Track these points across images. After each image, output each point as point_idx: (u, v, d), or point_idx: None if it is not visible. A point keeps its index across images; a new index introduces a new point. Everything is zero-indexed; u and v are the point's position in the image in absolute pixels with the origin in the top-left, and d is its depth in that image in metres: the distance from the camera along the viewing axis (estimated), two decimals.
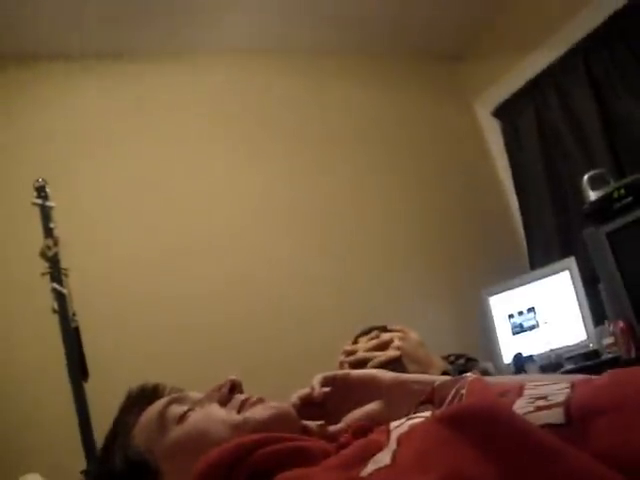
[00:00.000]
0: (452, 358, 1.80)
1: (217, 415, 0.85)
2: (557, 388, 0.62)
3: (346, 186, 3.16)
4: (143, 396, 0.93)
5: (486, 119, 3.55)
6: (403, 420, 0.69)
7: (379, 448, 0.63)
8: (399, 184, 3.29)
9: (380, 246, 3.12)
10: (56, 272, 1.96)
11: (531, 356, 2.65)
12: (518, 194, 3.37)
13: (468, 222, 3.36)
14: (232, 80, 3.10)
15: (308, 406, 0.90)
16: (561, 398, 0.58)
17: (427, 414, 0.70)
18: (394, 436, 0.64)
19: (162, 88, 2.96)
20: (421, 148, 3.44)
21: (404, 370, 1.38)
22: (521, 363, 2.62)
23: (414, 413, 0.73)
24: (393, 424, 0.69)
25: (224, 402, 0.88)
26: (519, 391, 0.65)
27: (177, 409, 0.87)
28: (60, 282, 1.95)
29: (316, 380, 0.93)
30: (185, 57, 3.00)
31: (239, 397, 0.89)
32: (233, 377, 0.91)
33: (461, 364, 1.76)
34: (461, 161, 3.50)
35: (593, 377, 0.66)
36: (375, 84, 3.42)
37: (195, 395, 0.91)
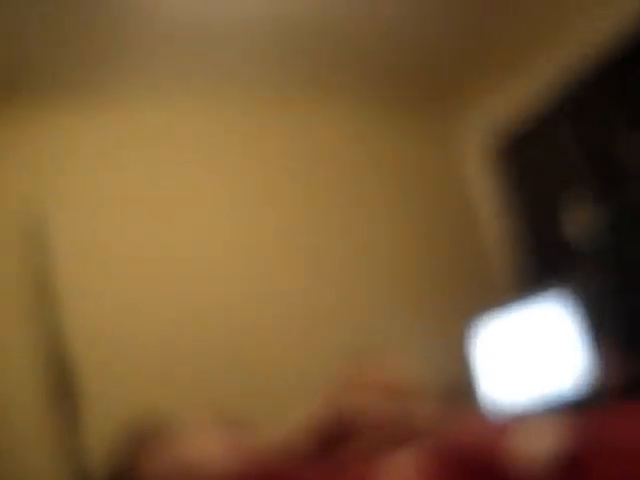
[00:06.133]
0: (440, 394, 1.79)
1: (214, 441, 0.88)
2: (547, 428, 0.63)
3: (330, 216, 3.21)
4: (149, 428, 0.96)
5: (473, 155, 3.60)
6: (395, 456, 0.70)
7: None
8: (385, 215, 3.33)
9: (363, 281, 3.15)
10: (48, 301, 1.96)
11: (520, 393, 2.64)
12: (507, 230, 3.39)
13: (455, 256, 3.39)
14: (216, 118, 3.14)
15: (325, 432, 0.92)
16: (552, 438, 0.59)
17: (418, 450, 0.70)
18: (389, 473, 0.65)
19: (162, 121, 3.01)
20: (407, 181, 3.48)
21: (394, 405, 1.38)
22: (510, 400, 2.61)
23: (406, 448, 0.73)
24: (383, 460, 0.70)
25: (224, 429, 0.90)
26: (509, 430, 0.65)
27: (177, 437, 0.89)
28: (52, 311, 1.95)
29: (328, 405, 0.94)
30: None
31: (240, 426, 0.91)
32: (239, 413, 0.94)
33: (449, 400, 1.76)
34: (447, 196, 3.55)
35: (583, 416, 0.67)
36: (357, 125, 3.46)
37: (199, 424, 0.93)
